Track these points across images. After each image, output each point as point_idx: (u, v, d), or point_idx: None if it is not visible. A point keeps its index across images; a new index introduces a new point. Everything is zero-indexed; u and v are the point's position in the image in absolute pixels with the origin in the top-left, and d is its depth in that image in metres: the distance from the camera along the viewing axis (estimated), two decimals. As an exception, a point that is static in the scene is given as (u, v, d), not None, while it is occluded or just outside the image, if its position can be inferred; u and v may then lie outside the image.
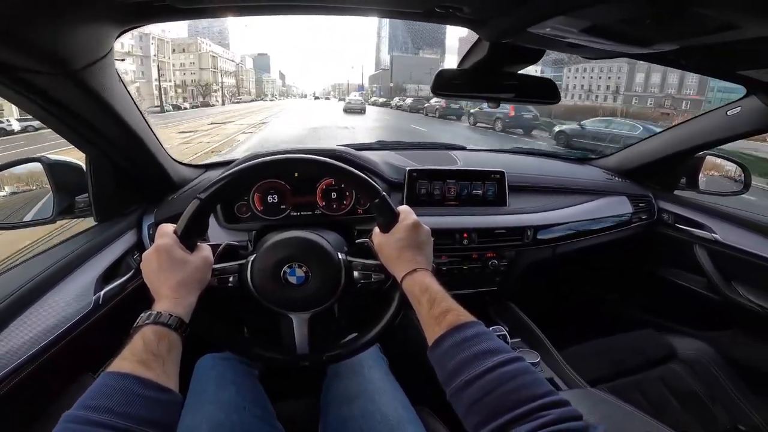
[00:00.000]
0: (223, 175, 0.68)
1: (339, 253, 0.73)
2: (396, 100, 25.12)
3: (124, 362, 0.46)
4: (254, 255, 0.71)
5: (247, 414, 0.76)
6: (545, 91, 1.00)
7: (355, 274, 0.72)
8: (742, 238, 1.19)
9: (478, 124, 15.60)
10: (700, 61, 0.80)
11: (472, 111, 15.95)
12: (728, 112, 1.12)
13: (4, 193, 0.93)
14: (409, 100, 21.75)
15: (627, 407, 0.82)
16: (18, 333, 0.68)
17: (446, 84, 0.98)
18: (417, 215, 1.12)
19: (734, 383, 1.18)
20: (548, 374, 1.14)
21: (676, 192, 1.42)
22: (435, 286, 0.59)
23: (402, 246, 0.65)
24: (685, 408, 1.10)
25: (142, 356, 0.48)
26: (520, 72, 1.01)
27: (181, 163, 1.18)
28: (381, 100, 33.26)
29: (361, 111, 24.96)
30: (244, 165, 0.69)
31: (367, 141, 1.56)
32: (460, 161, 1.31)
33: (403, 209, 0.70)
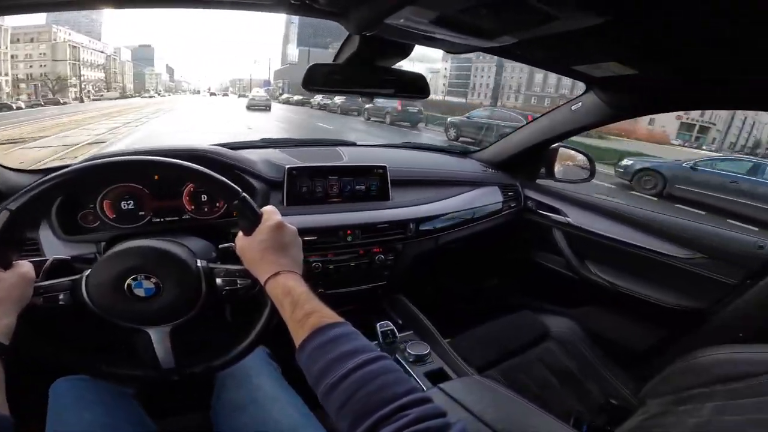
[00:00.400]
0: (40, 181, 0.58)
1: (198, 261, 0.67)
2: (318, 99, 22.30)
3: None
4: (88, 270, 0.62)
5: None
6: (417, 87, 1.03)
7: (218, 281, 0.66)
8: (589, 220, 1.36)
9: (372, 119, 16.12)
10: (542, 57, 0.89)
11: (366, 106, 16.55)
12: (573, 107, 1.27)
13: None
14: (339, 99, 18.92)
15: (511, 394, 0.87)
16: None
17: (320, 79, 0.95)
18: (299, 214, 1.09)
19: (600, 358, 1.29)
20: (438, 364, 1.17)
21: (537, 181, 1.58)
22: (298, 288, 0.57)
23: (264, 248, 0.62)
24: (563, 386, 1.19)
25: None
26: (394, 67, 1.03)
27: (12, 169, 1.00)
28: (296, 98, 29.10)
29: (266, 108, 23.72)
30: (68, 169, 0.60)
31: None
32: (346, 157, 1.30)
33: (267, 210, 0.66)
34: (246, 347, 0.68)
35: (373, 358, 0.46)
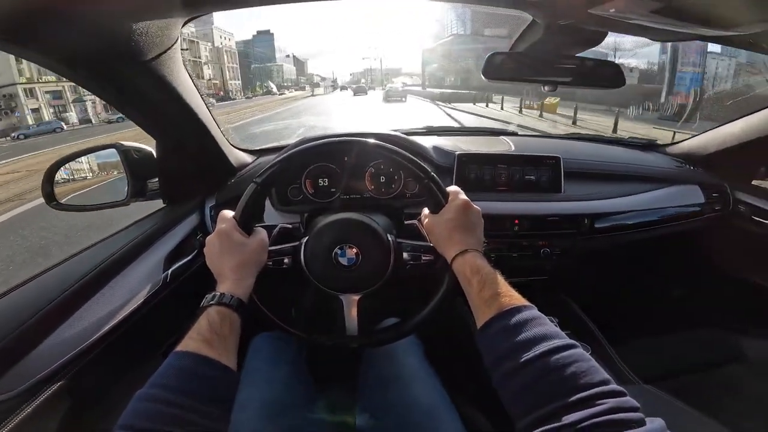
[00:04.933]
0: (277, 159, 0.71)
1: (388, 235, 0.74)
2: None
3: (191, 342, 0.51)
4: (307, 237, 0.74)
5: (294, 393, 0.80)
6: (607, 75, 0.94)
7: (405, 255, 0.73)
8: None
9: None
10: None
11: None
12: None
13: (83, 177, 1.01)
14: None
15: (682, 404, 0.79)
16: (100, 306, 0.75)
17: (498, 68, 0.95)
18: None
19: None
20: None
21: (754, 182, 1.29)
22: (487, 268, 0.59)
23: (452, 226, 0.66)
24: (748, 412, 1.01)
25: (207, 336, 0.52)
26: (578, 54, 0.96)
27: (237, 148, 1.23)
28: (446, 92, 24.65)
29: (402, 99, 25.78)
30: (296, 149, 0.73)
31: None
32: (512, 146, 1.26)
33: (453, 189, 0.70)
34: (420, 320, 0.73)
35: (567, 345, 0.45)
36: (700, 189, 1.26)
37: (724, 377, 1.11)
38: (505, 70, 0.96)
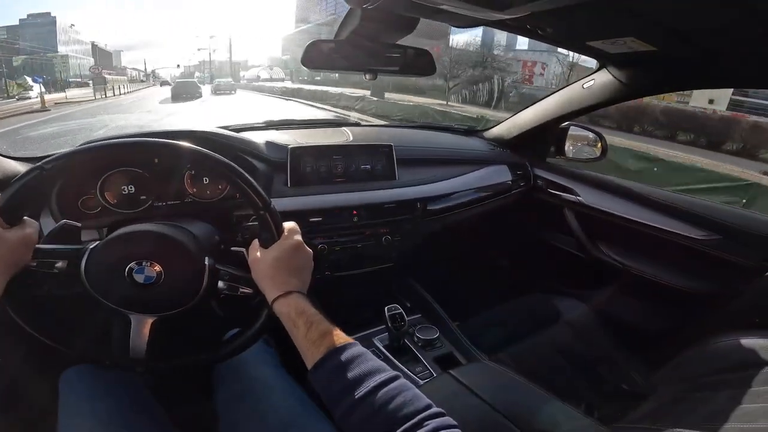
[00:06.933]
0: (77, 149, 0.61)
1: (206, 258, 0.65)
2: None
3: None
4: (95, 243, 0.62)
5: (135, 425, 0.69)
6: (423, 63, 0.99)
7: (221, 284, 0.65)
8: (601, 200, 1.33)
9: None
10: (555, 32, 0.84)
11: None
12: (584, 85, 1.22)
13: None
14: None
15: (522, 380, 0.85)
16: None
17: (320, 57, 0.92)
18: (304, 195, 1.06)
19: (611, 342, 1.28)
20: (448, 348, 1.17)
21: (548, 160, 1.54)
22: (311, 309, 0.58)
23: (278, 266, 0.61)
24: (575, 371, 1.18)
25: None
26: (399, 42, 0.99)
27: (9, 157, 0.97)
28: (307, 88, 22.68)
29: (232, 91, 26.04)
30: (105, 142, 0.61)
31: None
32: (350, 137, 1.26)
33: (289, 227, 0.65)
34: (226, 353, 0.67)
35: (392, 377, 0.50)
36: (508, 168, 1.46)
37: (550, 340, 1.26)
38: (327, 59, 0.94)
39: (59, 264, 0.60)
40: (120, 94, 26.18)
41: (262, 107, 17.82)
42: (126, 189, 0.91)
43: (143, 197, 0.92)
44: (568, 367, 1.18)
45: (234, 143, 1.07)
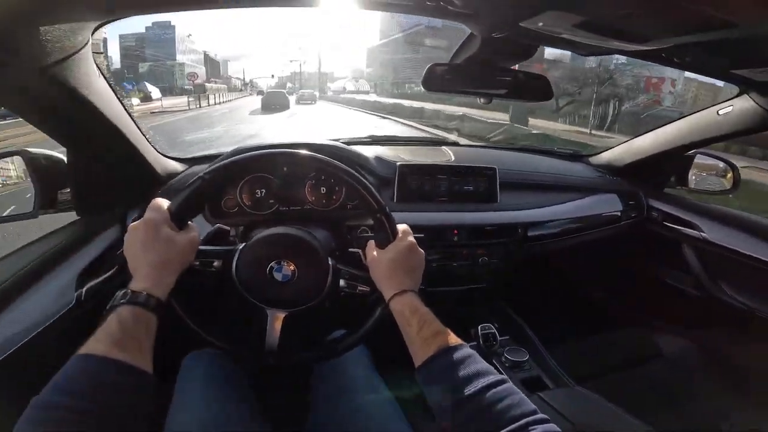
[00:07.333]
0: (232, 159, 0.69)
1: (329, 258, 0.72)
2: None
3: (98, 344, 0.46)
4: (243, 244, 0.70)
5: (235, 412, 0.76)
6: (538, 89, 0.99)
7: (341, 282, 0.71)
8: (729, 237, 1.19)
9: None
10: (695, 60, 0.79)
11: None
12: (720, 111, 1.11)
13: None
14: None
15: (610, 406, 0.83)
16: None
17: (438, 79, 0.96)
18: (408, 211, 1.11)
19: (717, 382, 1.18)
20: (536, 372, 1.14)
21: (666, 190, 1.42)
22: (424, 308, 0.61)
23: (394, 267, 0.66)
24: (668, 407, 1.11)
25: (117, 337, 0.47)
26: (514, 67, 1.00)
27: (167, 156, 1.15)
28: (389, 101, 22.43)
29: (312, 101, 27.67)
30: (244, 155, 0.70)
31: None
32: (452, 157, 1.29)
33: (403, 229, 0.70)
34: (343, 348, 0.72)
35: (500, 380, 0.51)
36: (618, 197, 1.37)
37: (646, 374, 1.20)
38: (445, 81, 0.98)
39: (216, 263, 0.69)
40: (215, 103, 26.33)
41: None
42: (258, 192, 1.03)
43: (271, 201, 1.03)
44: (659, 402, 1.10)
45: (348, 155, 1.15)
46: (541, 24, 0.63)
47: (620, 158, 1.45)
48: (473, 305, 1.40)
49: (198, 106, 23.05)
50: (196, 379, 0.80)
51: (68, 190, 0.92)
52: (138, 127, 0.96)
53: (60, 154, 0.92)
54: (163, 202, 0.63)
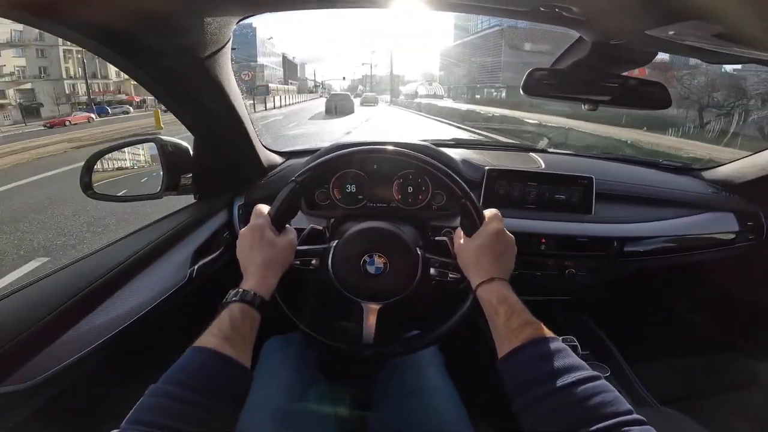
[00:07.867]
0: (316, 162, 0.72)
1: (417, 248, 0.74)
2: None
3: (212, 338, 0.51)
4: (336, 241, 0.75)
5: (305, 397, 0.80)
6: (653, 95, 0.91)
7: (432, 270, 0.72)
8: None
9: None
10: None
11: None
12: None
13: (120, 168, 1.01)
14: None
15: (698, 427, 0.78)
16: (123, 301, 0.75)
17: (537, 84, 0.93)
18: None
19: None
20: (618, 389, 1.07)
21: None
22: (513, 298, 0.59)
23: (482, 253, 0.64)
24: None
25: (228, 333, 0.52)
26: (623, 73, 0.94)
27: (268, 149, 1.24)
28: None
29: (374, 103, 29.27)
30: (336, 154, 0.74)
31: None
32: (542, 164, 1.24)
33: (489, 214, 0.68)
34: (435, 337, 0.73)
35: (593, 376, 0.47)
36: (735, 217, 1.22)
37: (740, 402, 1.08)
38: (546, 86, 0.94)
39: (314, 261, 0.74)
40: (274, 107, 25.52)
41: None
42: (349, 187, 1.08)
43: (360, 197, 1.08)
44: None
45: (438, 156, 1.14)
46: (672, 32, 0.59)
47: (741, 173, 1.29)
48: (552, 316, 1.34)
49: (253, 111, 20.84)
50: (273, 364, 0.86)
51: (190, 175, 1.03)
52: (251, 122, 1.05)
53: (185, 143, 1.03)
54: (264, 208, 0.68)
